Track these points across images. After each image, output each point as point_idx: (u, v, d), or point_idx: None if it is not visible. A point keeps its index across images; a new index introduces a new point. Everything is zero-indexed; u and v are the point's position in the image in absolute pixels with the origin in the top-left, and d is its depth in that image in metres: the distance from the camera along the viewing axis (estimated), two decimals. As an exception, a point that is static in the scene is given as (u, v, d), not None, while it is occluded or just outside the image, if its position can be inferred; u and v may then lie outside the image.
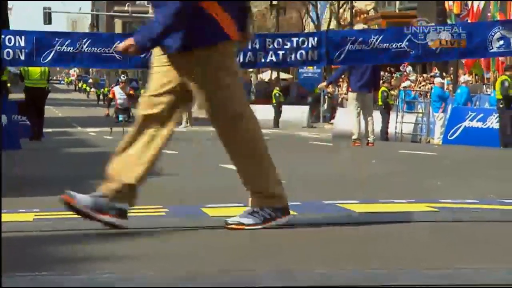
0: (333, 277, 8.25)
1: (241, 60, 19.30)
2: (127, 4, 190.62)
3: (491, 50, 18.96)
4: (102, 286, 7.47)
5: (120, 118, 36.81)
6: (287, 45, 17.23)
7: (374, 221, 12.66)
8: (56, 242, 10.39)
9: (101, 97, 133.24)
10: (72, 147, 35.08)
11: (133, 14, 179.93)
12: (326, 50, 15.92)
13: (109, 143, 33.14)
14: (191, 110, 54.27)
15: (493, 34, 18.12)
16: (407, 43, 17.05)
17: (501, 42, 19.05)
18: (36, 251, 9.76)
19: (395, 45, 16.73)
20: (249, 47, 20.47)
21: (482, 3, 73.27)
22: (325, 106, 73.66)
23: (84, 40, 17.64)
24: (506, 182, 20.95)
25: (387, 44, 17.13)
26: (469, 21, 66.10)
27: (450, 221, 12.86)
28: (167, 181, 20.51)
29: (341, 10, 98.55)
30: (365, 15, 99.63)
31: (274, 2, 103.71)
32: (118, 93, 43.20)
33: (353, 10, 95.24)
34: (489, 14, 67.72)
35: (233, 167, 21.77)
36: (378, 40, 18.03)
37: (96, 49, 17.87)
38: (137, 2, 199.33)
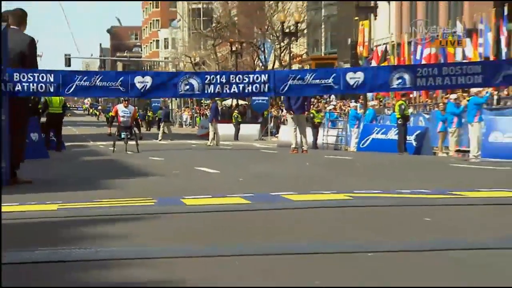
0: (274, 247, 8.70)
1: (212, 91, 19.91)
2: (126, 51, 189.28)
3: (392, 87, 19.53)
4: (103, 258, 7.75)
5: (123, 135, 33.03)
6: (245, 80, 17.93)
7: (307, 207, 12.77)
8: (72, 225, 10.59)
9: (108, 120, 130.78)
10: (86, 156, 34.92)
11: (131, 59, 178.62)
12: (274, 84, 16.40)
13: (115, 154, 33.24)
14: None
15: (393, 74, 18.91)
16: (332, 79, 17.60)
17: (400, 80, 19.84)
18: (57, 232, 9.98)
19: (324, 81, 17.26)
20: (218, 81, 21.00)
21: (384, 47, 70.32)
22: (272, 124, 73.65)
23: (97, 76, 17.95)
24: (403, 178, 21.28)
25: (318, 80, 17.77)
26: (374, 63, 63.95)
27: (361, 206, 12.74)
28: (155, 180, 21.08)
29: (282, 54, 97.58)
30: (300, 58, 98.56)
31: (233, 48, 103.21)
32: (121, 111, 36.95)
33: (291, 54, 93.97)
34: (388, 57, 64.18)
35: (205, 168, 22.03)
36: (312, 77, 18.75)
37: (105, 83, 18.21)
38: (133, 50, 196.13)
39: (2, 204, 11.98)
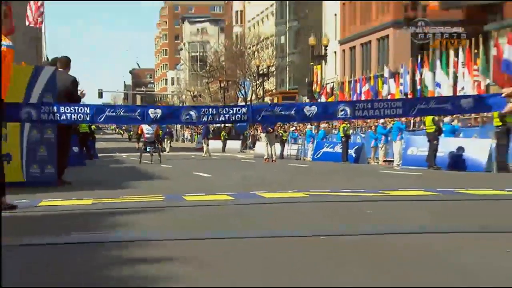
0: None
1: (205, 119, 20.06)
2: (143, 87, 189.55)
3: (337, 117, 20.11)
4: (131, 240, 7.81)
5: (148, 149, 31.08)
6: (230, 111, 18.17)
7: (275, 202, 12.49)
8: (102, 216, 10.36)
9: (130, 137, 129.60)
10: (113, 163, 34.58)
11: (146, 92, 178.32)
12: (251, 115, 16.51)
13: (134, 162, 32.86)
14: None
15: (339, 107, 19.28)
16: (294, 111, 17.77)
17: (343, 112, 20.04)
18: (90, 221, 9.83)
19: (288, 112, 17.44)
20: (210, 112, 20.42)
21: (331, 85, 70.24)
22: (250, 140, 73.72)
23: (121, 109, 17.94)
24: (346, 181, 21.06)
25: (283, 112, 18.00)
26: (323, 98, 63.97)
27: (315, 202, 12.64)
28: (164, 182, 20.73)
29: (257, 89, 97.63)
30: (270, 92, 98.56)
31: (222, 85, 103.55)
32: (146, 129, 34.11)
33: (264, 90, 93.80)
34: (334, 92, 64.07)
35: (200, 173, 21.77)
36: (279, 110, 19.11)
37: (127, 114, 18.23)
38: (148, 85, 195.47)
39: (50, 199, 12.47)
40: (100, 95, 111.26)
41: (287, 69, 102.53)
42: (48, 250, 7.19)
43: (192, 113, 16.69)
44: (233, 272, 5.89)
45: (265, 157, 44.03)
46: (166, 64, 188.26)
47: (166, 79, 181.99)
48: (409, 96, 43.52)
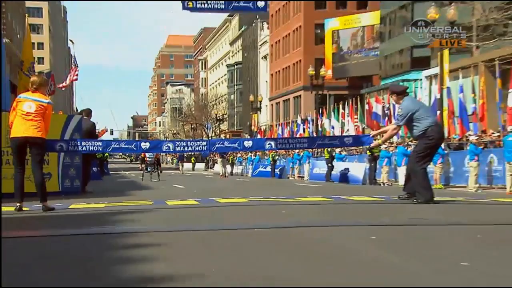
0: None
1: (180, 149, 20.18)
2: (140, 127, 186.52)
3: (265, 148, 20.94)
4: (131, 231, 7.62)
5: (148, 169, 30.21)
6: (196, 144, 18.20)
7: (227, 205, 12.19)
8: (112, 215, 9.97)
9: (131, 160, 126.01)
10: (119, 179, 33.58)
11: (143, 131, 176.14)
12: (209, 147, 16.38)
13: (133, 177, 31.98)
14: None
15: (266, 142, 19.61)
16: (237, 144, 17.88)
17: (269, 145, 20.29)
18: (104, 218, 9.48)
19: (234, 145, 17.52)
20: (182, 144, 20.42)
21: (264, 127, 69.31)
22: (211, 162, 72.84)
23: (123, 142, 17.65)
24: (272, 190, 20.57)
25: (231, 144, 18.04)
26: (259, 135, 63.29)
27: (253, 205, 12.08)
28: (152, 191, 20.36)
29: (217, 129, 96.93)
30: (225, 131, 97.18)
31: (192, 126, 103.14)
32: (148, 154, 31.57)
33: (220, 130, 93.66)
34: (266, 131, 62.95)
35: (177, 185, 21.34)
36: (228, 143, 19.25)
37: (127, 145, 17.92)
38: (144, 126, 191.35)
39: (77, 203, 12.28)
40: (111, 132, 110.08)
41: (235, 116, 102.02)
42: (77, 238, 7.22)
43: (170, 145, 16.91)
44: (200, 251, 6.05)
45: (220, 174, 43.64)
46: (156, 112, 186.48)
47: (156, 122, 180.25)
48: (314, 135, 43.49)
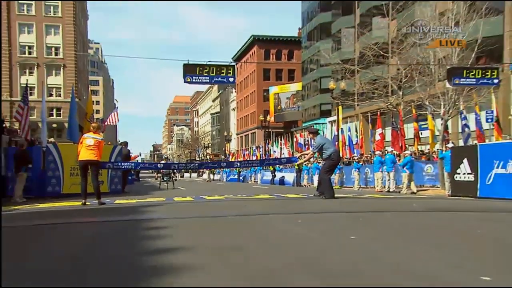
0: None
1: (181, 167, 20.24)
2: (158, 152, 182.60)
3: (234, 166, 20.27)
4: (152, 218, 7.47)
5: (165, 179, 24.90)
6: (192, 164, 18.33)
7: (211, 201, 11.79)
8: (140, 208, 9.43)
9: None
10: (146, 184, 32.58)
11: (159, 155, 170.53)
12: (199, 165, 16.48)
13: (155, 183, 29.13)
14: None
15: (235, 163, 19.45)
16: (217, 164, 17.95)
17: (236, 164, 19.93)
18: (135, 210, 8.92)
19: (215, 165, 17.58)
20: (182, 165, 20.07)
21: (234, 152, 70.35)
22: (201, 173, 70.91)
23: (146, 164, 17.58)
24: (239, 190, 20.00)
25: (212, 165, 18.22)
26: (231, 158, 62.92)
27: (227, 200, 11.79)
28: (164, 191, 19.33)
29: (204, 154, 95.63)
30: (210, 154, 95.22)
31: (190, 151, 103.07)
32: (165, 163, 25.27)
33: (206, 154, 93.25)
34: (235, 155, 63.01)
35: (180, 187, 20.71)
36: (209, 164, 19.48)
37: (149, 165, 17.80)
38: (159, 151, 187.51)
39: (119, 200, 11.90)
40: (140, 154, 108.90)
41: (216, 145, 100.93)
42: (118, 223, 7.13)
43: (175, 165, 16.79)
44: (192, 231, 5.98)
45: (207, 180, 42.82)
46: (167, 142, 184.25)
47: (167, 148, 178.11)
48: (263, 157, 43.05)
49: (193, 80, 13.02)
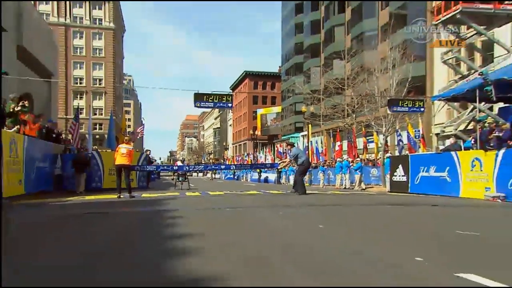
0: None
1: (190, 169, 20.05)
2: (173, 157, 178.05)
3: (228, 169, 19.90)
4: (169, 209, 7.15)
5: (180, 179, 19.91)
6: (200, 166, 17.82)
7: (214, 196, 11.53)
8: (159, 201, 9.16)
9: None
10: (164, 181, 32.01)
11: (173, 159, 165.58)
12: (205, 167, 16.08)
13: (171, 181, 25.27)
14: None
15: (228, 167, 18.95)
16: (218, 167, 17.77)
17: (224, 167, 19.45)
18: (155, 203, 8.62)
19: (216, 167, 17.25)
20: (191, 167, 18.69)
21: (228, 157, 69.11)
22: (206, 173, 68.96)
23: (164, 166, 17.11)
24: (231, 187, 19.29)
25: (215, 166, 17.83)
26: (227, 162, 62.99)
27: (225, 195, 11.52)
28: (179, 189, 19.26)
29: (209, 160, 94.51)
30: (212, 159, 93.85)
31: (197, 157, 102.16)
32: (179, 166, 20.53)
33: (211, 159, 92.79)
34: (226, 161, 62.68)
35: (192, 184, 20.42)
36: (215, 166, 19.07)
37: (167, 167, 17.33)
38: (174, 156, 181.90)
39: (144, 194, 11.57)
40: (160, 158, 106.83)
41: (216, 152, 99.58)
42: (145, 212, 6.91)
43: (188, 167, 16.28)
44: (200, 220, 5.73)
45: (210, 178, 42.52)
46: (180, 149, 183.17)
47: (180, 154, 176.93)
48: (253, 162, 42.60)
49: (201, 105, 13.00)
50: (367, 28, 36.34)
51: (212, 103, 12.96)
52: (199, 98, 12.86)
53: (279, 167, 19.11)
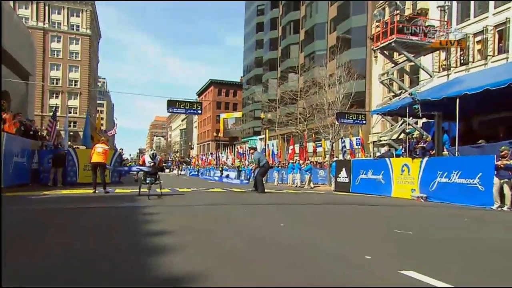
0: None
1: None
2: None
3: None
4: (144, 205, 6.79)
5: (147, 180, 9.02)
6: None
7: (183, 193, 10.98)
8: (133, 197, 8.58)
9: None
10: (134, 176, 29.14)
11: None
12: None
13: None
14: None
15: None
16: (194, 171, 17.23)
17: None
18: (129, 199, 8.12)
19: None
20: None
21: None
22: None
23: (135, 166, 16.31)
24: (204, 185, 19.70)
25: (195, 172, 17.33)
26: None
27: (195, 193, 11.14)
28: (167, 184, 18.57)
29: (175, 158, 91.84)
30: (177, 157, 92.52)
31: (164, 154, 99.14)
32: (148, 161, 9.64)
33: (175, 156, 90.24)
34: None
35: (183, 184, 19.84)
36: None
37: (137, 168, 16.52)
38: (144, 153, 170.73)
39: (118, 189, 10.93)
40: (130, 155, 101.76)
41: (182, 150, 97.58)
42: (120, 209, 6.42)
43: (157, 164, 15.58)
44: (177, 215, 5.41)
45: (176, 174, 41.17)
46: (149, 148, 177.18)
47: (148, 152, 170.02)
48: (215, 162, 41.67)
49: (174, 111, 12.81)
50: (318, 48, 37.52)
51: (184, 110, 12.74)
52: (172, 104, 12.60)
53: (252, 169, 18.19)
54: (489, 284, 2.49)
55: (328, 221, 5.59)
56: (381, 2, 29.23)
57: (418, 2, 25.96)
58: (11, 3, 48.10)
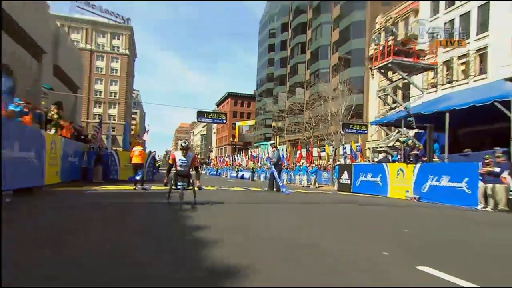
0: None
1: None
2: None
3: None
4: (186, 201, 5.75)
5: (179, 185, 5.27)
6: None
7: (209, 190, 10.61)
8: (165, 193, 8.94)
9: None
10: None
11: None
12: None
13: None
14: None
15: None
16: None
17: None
18: (164, 196, 8.49)
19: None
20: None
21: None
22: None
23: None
24: (224, 183, 18.39)
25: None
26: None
27: (220, 191, 10.70)
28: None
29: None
30: (199, 158, 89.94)
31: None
32: (179, 159, 5.45)
33: (199, 158, 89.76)
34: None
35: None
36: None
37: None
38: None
39: (154, 186, 10.81)
40: (158, 156, 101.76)
41: (203, 153, 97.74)
42: (159, 204, 6.00)
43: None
44: (208, 212, 5.22)
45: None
46: (174, 150, 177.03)
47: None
48: (232, 163, 41.21)
49: (202, 120, 12.90)
50: (322, 66, 37.32)
51: (211, 119, 12.84)
52: (201, 114, 12.75)
53: (266, 167, 16.75)
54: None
55: (345, 222, 5.23)
56: (377, 27, 29.05)
57: (410, 27, 25.60)
58: (66, 28, 50.33)
